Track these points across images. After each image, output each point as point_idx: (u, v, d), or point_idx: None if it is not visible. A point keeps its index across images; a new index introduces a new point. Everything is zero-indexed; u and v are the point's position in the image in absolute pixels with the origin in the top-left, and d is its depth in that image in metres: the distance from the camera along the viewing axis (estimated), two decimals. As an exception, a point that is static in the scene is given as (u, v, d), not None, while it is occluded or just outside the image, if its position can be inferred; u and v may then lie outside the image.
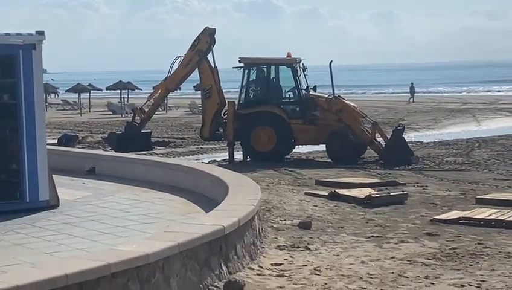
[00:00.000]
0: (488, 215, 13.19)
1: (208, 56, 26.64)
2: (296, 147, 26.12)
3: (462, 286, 8.84)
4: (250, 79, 26.06)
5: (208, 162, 23.47)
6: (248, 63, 26.03)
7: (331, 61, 25.77)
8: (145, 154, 23.87)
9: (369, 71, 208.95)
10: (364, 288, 8.73)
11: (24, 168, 11.65)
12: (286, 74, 25.93)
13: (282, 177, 20.17)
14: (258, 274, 9.13)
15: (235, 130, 25.35)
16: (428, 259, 10.20)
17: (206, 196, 12.71)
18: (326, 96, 25.90)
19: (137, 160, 16.05)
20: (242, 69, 25.93)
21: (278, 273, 9.23)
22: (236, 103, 25.91)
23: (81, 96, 61.58)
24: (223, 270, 8.66)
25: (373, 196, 15.25)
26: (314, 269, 9.53)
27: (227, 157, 25.36)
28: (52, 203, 11.85)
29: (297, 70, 25.73)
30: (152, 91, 30.98)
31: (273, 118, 25.18)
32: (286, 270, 9.40)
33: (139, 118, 29.39)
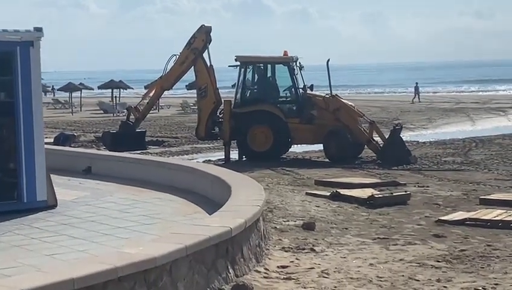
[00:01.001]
0: (495, 217, 12.98)
1: (204, 54, 26.35)
2: (292, 146, 25.86)
3: (476, 289, 8.61)
4: (247, 78, 25.76)
5: (203, 162, 23.17)
6: (244, 62, 25.70)
7: (328, 60, 25.40)
8: (139, 153, 23.55)
9: (358, 70, 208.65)
10: (375, 292, 8.51)
11: (22, 167, 11.36)
12: (283, 73, 25.64)
13: (280, 177, 19.92)
14: (265, 277, 8.91)
15: (231, 129, 25.06)
16: (438, 261, 9.98)
17: (206, 196, 12.46)
18: (324, 95, 25.66)
19: (134, 159, 15.78)
20: (238, 67, 25.62)
21: (285, 277, 9.00)
22: (233, 101, 25.63)
23: (72, 95, 61.19)
24: (229, 273, 8.42)
25: (376, 196, 15.01)
26: (322, 271, 9.30)
27: (223, 157, 25.11)
28: (50, 204, 11.58)
29: (294, 69, 25.43)
30: (144, 90, 30.66)
31: (270, 117, 24.85)
32: (293, 273, 9.17)
33: (133, 117, 29.08)
